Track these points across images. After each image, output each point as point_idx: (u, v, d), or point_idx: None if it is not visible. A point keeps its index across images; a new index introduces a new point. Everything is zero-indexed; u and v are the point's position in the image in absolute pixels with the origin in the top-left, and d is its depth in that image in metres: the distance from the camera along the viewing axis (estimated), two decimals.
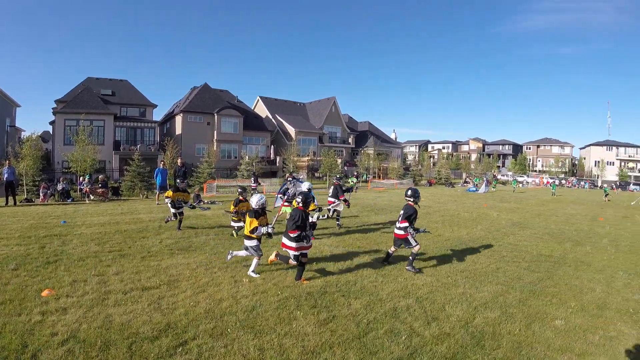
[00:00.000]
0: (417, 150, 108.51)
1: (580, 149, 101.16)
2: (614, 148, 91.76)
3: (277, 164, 47.86)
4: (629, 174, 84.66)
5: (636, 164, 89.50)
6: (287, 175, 17.51)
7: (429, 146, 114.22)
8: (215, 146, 44.49)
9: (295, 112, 62.18)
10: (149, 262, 7.68)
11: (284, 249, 7.10)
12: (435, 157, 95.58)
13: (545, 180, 69.01)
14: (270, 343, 4.52)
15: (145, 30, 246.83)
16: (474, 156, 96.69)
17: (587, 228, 15.19)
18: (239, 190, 10.43)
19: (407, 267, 7.92)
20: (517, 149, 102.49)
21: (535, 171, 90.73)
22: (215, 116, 46.70)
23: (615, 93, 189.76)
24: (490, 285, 7.20)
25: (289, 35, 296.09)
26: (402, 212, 8.02)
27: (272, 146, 52.34)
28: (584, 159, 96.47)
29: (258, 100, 62.16)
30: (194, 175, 28.01)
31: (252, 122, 51.65)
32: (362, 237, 11.11)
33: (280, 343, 4.54)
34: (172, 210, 11.13)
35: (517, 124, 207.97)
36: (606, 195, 34.56)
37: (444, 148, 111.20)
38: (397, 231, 8.09)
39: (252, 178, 22.04)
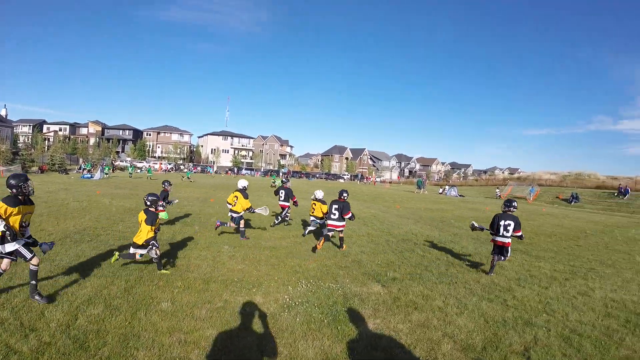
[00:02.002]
0: (31, 131, 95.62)
1: (199, 137, 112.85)
2: (229, 138, 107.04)
3: None
4: (242, 160, 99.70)
5: (248, 153, 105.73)
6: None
7: (45, 127, 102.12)
8: None
9: None
10: None
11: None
12: (51, 139, 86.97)
13: (164, 167, 73.19)
14: None
15: None
16: (92, 140, 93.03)
17: (199, 209, 17.13)
18: (153, 200, 7.85)
19: None
20: (138, 134, 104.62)
21: (155, 157, 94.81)
22: None
23: (236, 90, 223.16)
24: (95, 278, 6.91)
25: None
26: (511, 222, 9.11)
27: None
28: (202, 146, 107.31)
29: None
30: None
31: None
32: None
33: None
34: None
35: (139, 109, 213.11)
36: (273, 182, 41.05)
37: (60, 130, 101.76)
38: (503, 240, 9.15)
39: None
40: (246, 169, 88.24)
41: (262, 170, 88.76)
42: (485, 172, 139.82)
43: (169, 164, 78.26)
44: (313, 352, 4.79)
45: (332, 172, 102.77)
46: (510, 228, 9.10)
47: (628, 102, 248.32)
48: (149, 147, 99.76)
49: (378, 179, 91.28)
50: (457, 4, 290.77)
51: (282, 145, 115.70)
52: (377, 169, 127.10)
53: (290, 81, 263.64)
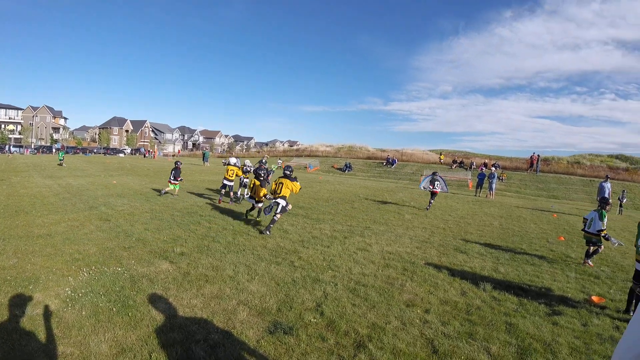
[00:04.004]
0: None
1: None
2: None
3: None
4: (10, 136, 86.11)
5: (16, 126, 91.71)
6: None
7: None
8: None
9: None
10: None
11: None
12: None
13: None
14: None
15: None
16: None
17: None
18: (265, 173, 13.45)
19: None
20: None
21: None
22: None
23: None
24: None
25: None
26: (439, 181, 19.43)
27: None
28: None
29: None
30: None
31: None
32: None
33: None
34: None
35: None
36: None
37: None
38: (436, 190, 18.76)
39: None
40: (14, 146, 76.29)
41: (32, 146, 77.82)
42: (267, 144, 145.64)
43: None
44: (107, 345, 4.24)
45: (111, 147, 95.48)
46: (439, 185, 18.88)
47: (397, 87, 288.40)
48: None
49: (160, 153, 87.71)
50: None
51: (55, 118, 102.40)
52: (160, 142, 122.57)
53: (65, 44, 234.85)
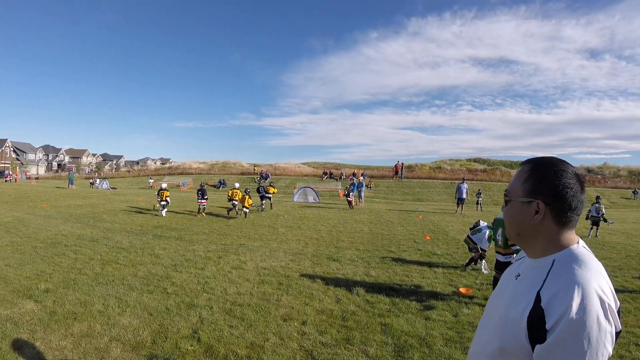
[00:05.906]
0: None
1: None
2: None
3: None
4: None
5: None
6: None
7: None
8: None
9: None
10: None
11: None
12: None
13: None
14: None
15: None
16: None
17: None
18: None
19: None
20: None
21: None
22: None
23: None
24: None
25: None
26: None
27: None
28: None
29: None
30: None
31: None
32: None
33: None
34: None
35: None
36: None
37: None
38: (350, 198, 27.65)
39: None
40: None
41: None
42: (137, 162, 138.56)
43: None
44: None
45: None
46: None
47: (269, 103, 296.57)
48: None
49: (22, 175, 79.47)
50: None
51: None
52: (22, 163, 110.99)
53: None
